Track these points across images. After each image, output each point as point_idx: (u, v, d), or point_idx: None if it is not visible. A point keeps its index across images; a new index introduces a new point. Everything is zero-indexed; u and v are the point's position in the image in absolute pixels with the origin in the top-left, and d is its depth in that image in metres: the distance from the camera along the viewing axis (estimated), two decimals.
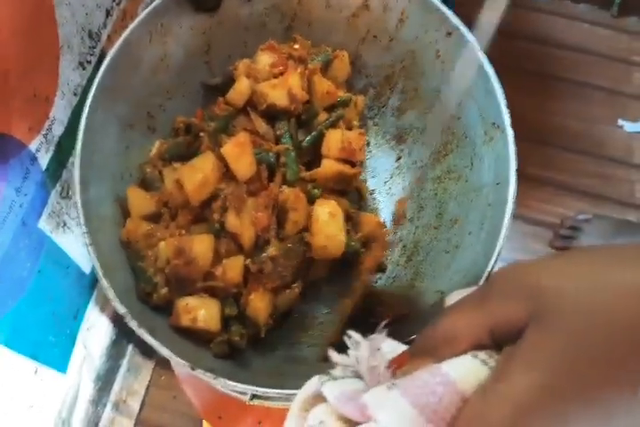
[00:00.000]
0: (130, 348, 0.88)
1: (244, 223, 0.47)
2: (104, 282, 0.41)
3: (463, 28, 0.50)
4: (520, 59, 0.87)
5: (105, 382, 0.84)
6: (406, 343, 0.30)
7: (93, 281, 0.77)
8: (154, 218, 0.50)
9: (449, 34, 0.51)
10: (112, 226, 0.48)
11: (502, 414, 0.23)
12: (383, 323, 0.29)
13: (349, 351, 0.31)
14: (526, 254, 0.78)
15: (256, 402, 0.54)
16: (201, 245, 0.46)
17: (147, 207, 0.50)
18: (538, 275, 0.25)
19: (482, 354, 0.26)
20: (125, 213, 0.50)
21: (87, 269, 0.74)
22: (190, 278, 0.46)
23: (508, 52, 0.84)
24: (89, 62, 0.63)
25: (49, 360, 0.69)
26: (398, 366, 0.28)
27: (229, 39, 0.56)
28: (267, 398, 0.54)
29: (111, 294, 0.41)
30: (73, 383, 0.75)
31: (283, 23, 0.58)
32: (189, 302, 0.46)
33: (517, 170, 0.43)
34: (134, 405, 0.89)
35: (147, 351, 0.90)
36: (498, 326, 0.25)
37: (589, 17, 0.90)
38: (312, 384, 0.31)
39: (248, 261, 0.48)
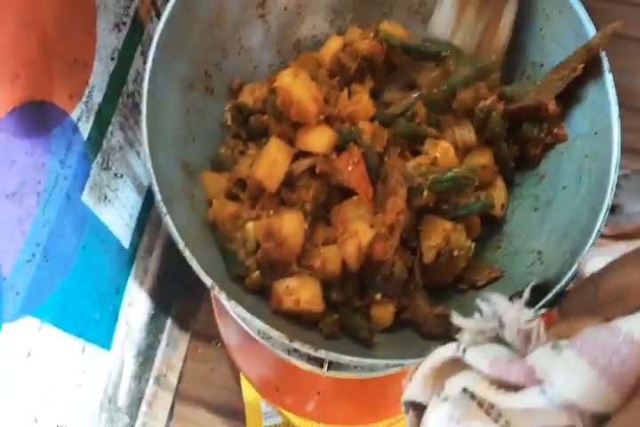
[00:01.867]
0: (168, 322, 0.86)
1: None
2: (187, 253, 0.39)
3: None
4: None
5: (145, 357, 0.82)
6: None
7: (132, 255, 0.74)
8: (233, 198, 0.48)
9: None
10: (181, 193, 0.45)
11: None
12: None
13: (477, 315, 0.29)
14: None
15: (331, 373, 0.52)
16: (290, 225, 0.43)
17: (224, 190, 0.48)
18: None
19: None
20: (191, 175, 0.47)
21: (126, 244, 0.72)
22: (284, 261, 0.43)
23: None
24: (124, 24, 0.59)
25: (94, 338, 0.67)
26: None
27: None
28: (343, 369, 0.52)
29: (196, 266, 0.39)
30: (117, 360, 0.74)
31: None
32: (289, 283, 0.43)
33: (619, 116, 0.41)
34: (173, 378, 0.88)
35: (183, 324, 0.89)
36: None
37: None
38: (445, 351, 0.29)
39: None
